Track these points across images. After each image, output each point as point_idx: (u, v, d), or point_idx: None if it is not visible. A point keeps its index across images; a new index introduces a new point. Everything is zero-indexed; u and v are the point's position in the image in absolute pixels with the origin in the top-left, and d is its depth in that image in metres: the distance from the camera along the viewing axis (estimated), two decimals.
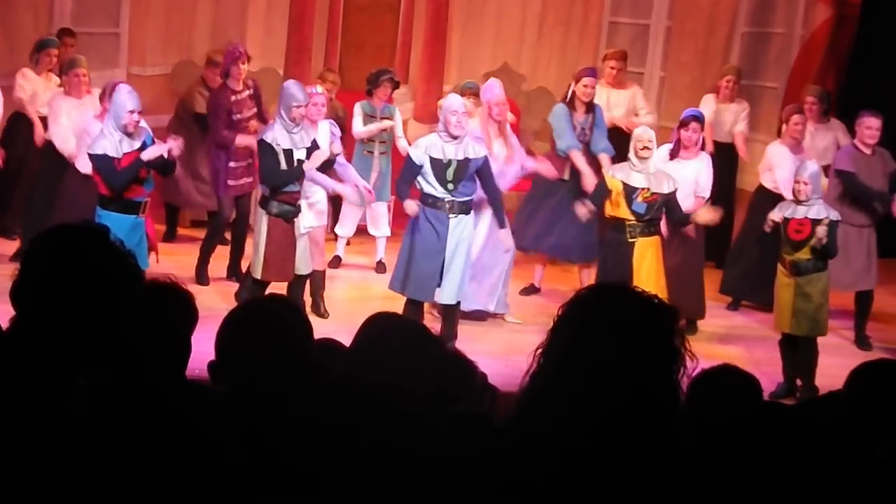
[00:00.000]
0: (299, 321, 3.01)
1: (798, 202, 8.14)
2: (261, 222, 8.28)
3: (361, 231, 10.66)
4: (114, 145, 7.94)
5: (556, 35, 12.78)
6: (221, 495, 2.69)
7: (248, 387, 2.90)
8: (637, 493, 2.37)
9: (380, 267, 10.49)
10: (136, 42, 12.08)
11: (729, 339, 9.04)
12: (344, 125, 9.86)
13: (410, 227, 8.46)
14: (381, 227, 10.46)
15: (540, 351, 2.51)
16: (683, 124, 8.97)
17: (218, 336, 3.05)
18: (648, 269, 8.36)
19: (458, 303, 8.55)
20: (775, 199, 9.98)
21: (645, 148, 8.41)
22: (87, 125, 9.05)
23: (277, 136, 8.17)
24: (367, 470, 2.83)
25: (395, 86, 10.39)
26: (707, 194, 9.02)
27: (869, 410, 3.63)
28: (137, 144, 8.05)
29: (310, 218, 8.63)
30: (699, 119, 9.08)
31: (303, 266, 8.47)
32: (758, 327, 9.56)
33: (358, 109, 10.24)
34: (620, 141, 9.84)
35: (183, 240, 10.93)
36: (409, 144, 9.24)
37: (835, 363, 8.51)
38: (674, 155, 8.98)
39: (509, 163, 8.99)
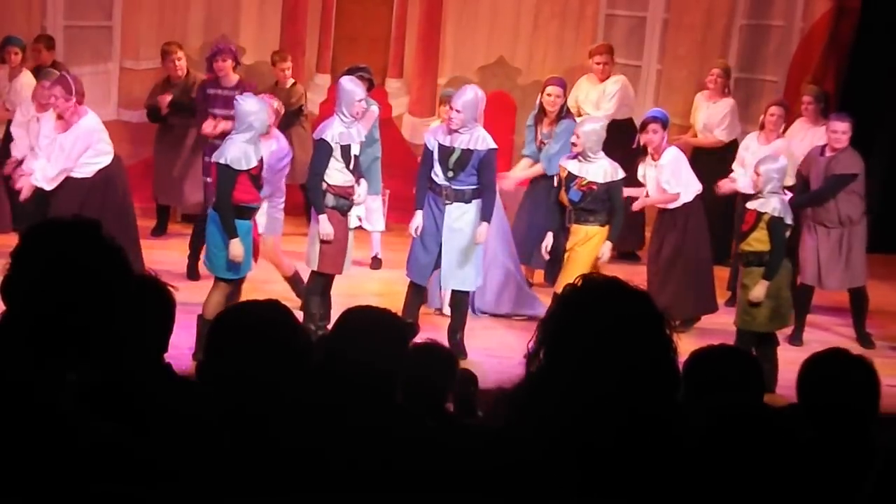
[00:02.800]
0: (288, 322, 3.03)
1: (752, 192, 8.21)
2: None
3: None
4: (247, 158, 7.81)
5: (551, 28, 12.69)
6: (211, 487, 2.70)
7: (235, 385, 2.93)
8: (630, 484, 2.39)
9: (375, 262, 10.38)
10: (129, 35, 12.06)
11: (717, 335, 8.93)
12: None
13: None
14: (375, 221, 10.30)
15: (531, 349, 2.54)
16: (641, 127, 9.00)
17: (207, 338, 3.08)
18: (576, 256, 8.38)
19: (466, 295, 8.56)
20: None
21: (572, 144, 8.51)
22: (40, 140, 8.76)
23: (336, 133, 8.18)
24: (359, 460, 2.88)
25: (371, 84, 9.60)
26: (672, 188, 8.95)
27: (822, 403, 3.65)
28: (259, 155, 7.94)
29: (354, 218, 8.59)
30: (659, 120, 8.98)
31: (348, 262, 8.45)
32: None
33: None
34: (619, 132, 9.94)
35: (173, 235, 10.87)
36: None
37: None
38: (651, 157, 9.01)
39: None
